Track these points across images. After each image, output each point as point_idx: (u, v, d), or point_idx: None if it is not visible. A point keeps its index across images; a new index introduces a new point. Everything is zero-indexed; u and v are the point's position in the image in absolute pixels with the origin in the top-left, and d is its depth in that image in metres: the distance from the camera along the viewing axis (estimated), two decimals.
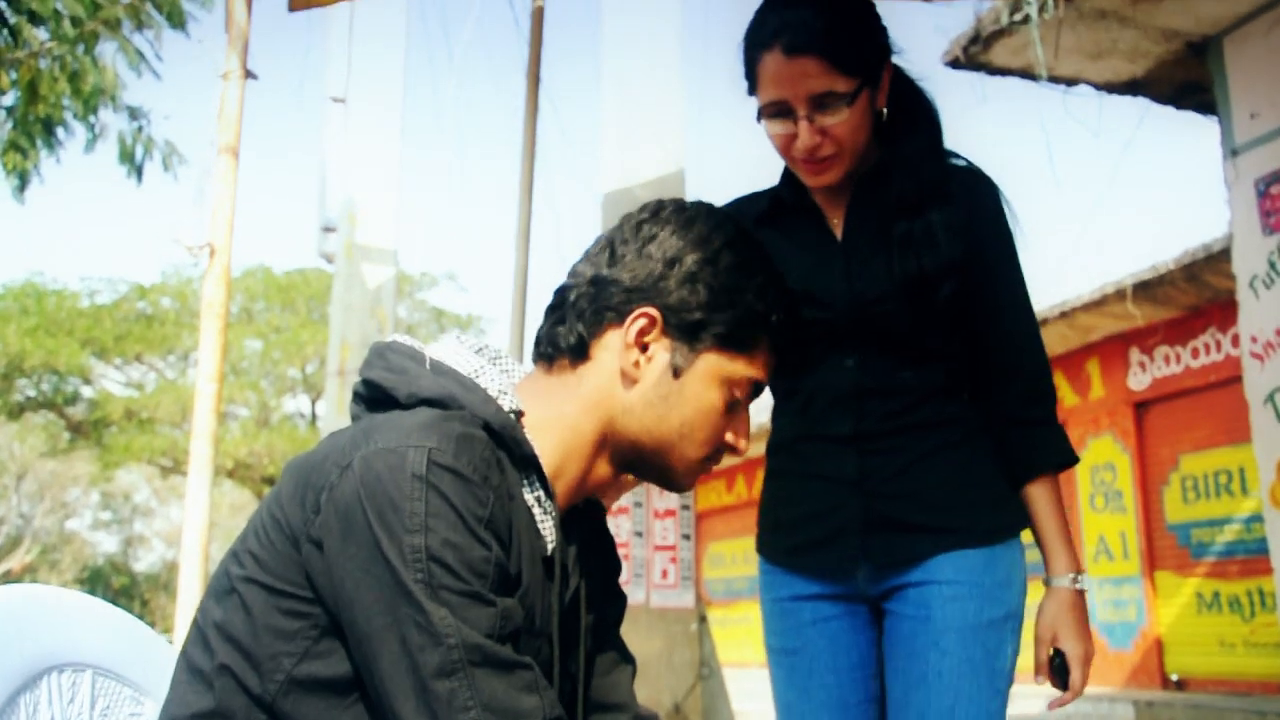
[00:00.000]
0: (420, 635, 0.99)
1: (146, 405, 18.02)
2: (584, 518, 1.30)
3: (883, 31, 1.70)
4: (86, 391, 18.95)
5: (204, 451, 2.98)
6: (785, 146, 1.67)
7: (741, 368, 1.22)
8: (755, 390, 1.25)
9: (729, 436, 1.25)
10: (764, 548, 1.82)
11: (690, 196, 1.39)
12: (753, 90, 1.67)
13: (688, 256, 1.19)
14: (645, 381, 1.19)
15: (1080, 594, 1.68)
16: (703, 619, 6.37)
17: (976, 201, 1.70)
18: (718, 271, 1.19)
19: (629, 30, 6.56)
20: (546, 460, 1.18)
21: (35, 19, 4.26)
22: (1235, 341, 6.29)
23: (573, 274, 1.24)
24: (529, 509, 1.15)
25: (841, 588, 1.73)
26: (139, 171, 5.53)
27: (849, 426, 1.70)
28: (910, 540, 1.67)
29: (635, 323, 1.18)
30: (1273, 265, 4.21)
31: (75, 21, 4.41)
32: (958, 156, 1.76)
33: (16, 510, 23.91)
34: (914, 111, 1.73)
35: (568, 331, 1.21)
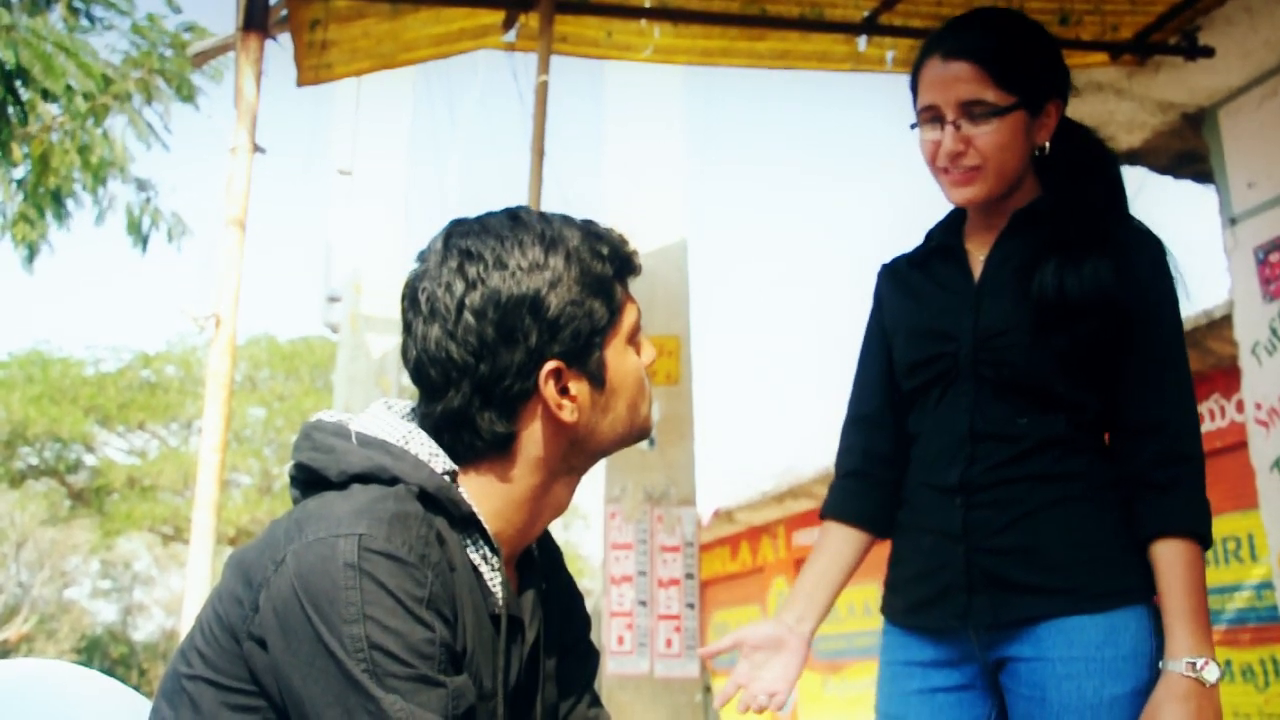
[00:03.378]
0: None
1: (149, 473, 17.96)
2: (539, 561, 1.29)
3: (1054, 65, 1.68)
4: (89, 459, 18.91)
5: (206, 520, 2.96)
6: (932, 155, 1.66)
7: (628, 319, 1.22)
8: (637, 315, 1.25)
9: (644, 360, 1.25)
10: (884, 607, 1.75)
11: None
12: (915, 102, 1.69)
13: (539, 294, 1.14)
14: (583, 411, 1.19)
15: (1198, 684, 1.46)
16: (707, 689, 6.28)
17: (1135, 253, 1.62)
18: (566, 282, 1.15)
19: (631, 103, 6.66)
20: (489, 514, 1.17)
21: (48, 95, 4.33)
22: (1240, 407, 6.27)
23: (442, 387, 1.15)
24: (474, 570, 1.14)
25: (956, 652, 1.64)
26: (145, 242, 5.59)
27: (956, 475, 1.63)
28: (1016, 600, 1.56)
29: (548, 385, 1.15)
30: (1274, 332, 4.21)
31: (87, 96, 4.49)
32: (1135, 220, 1.70)
33: (15, 579, 23.72)
34: (1089, 165, 1.70)
35: (482, 435, 1.16)
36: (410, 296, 1.18)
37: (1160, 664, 1.51)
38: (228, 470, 17.49)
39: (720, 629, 14.06)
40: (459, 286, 1.14)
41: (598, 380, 1.19)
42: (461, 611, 1.09)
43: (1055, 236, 1.61)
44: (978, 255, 1.71)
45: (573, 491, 1.24)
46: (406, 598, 1.01)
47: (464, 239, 1.16)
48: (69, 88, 4.15)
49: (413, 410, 1.22)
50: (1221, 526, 7.47)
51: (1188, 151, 4.84)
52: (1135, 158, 4.97)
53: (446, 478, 1.14)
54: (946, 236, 1.76)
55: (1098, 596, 1.54)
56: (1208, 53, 3.91)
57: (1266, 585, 6.79)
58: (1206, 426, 7.48)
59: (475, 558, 1.15)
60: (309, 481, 1.16)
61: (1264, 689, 7.06)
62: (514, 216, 1.18)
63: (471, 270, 1.14)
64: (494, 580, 1.16)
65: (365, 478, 1.11)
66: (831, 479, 1.86)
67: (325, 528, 1.04)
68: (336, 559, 1.01)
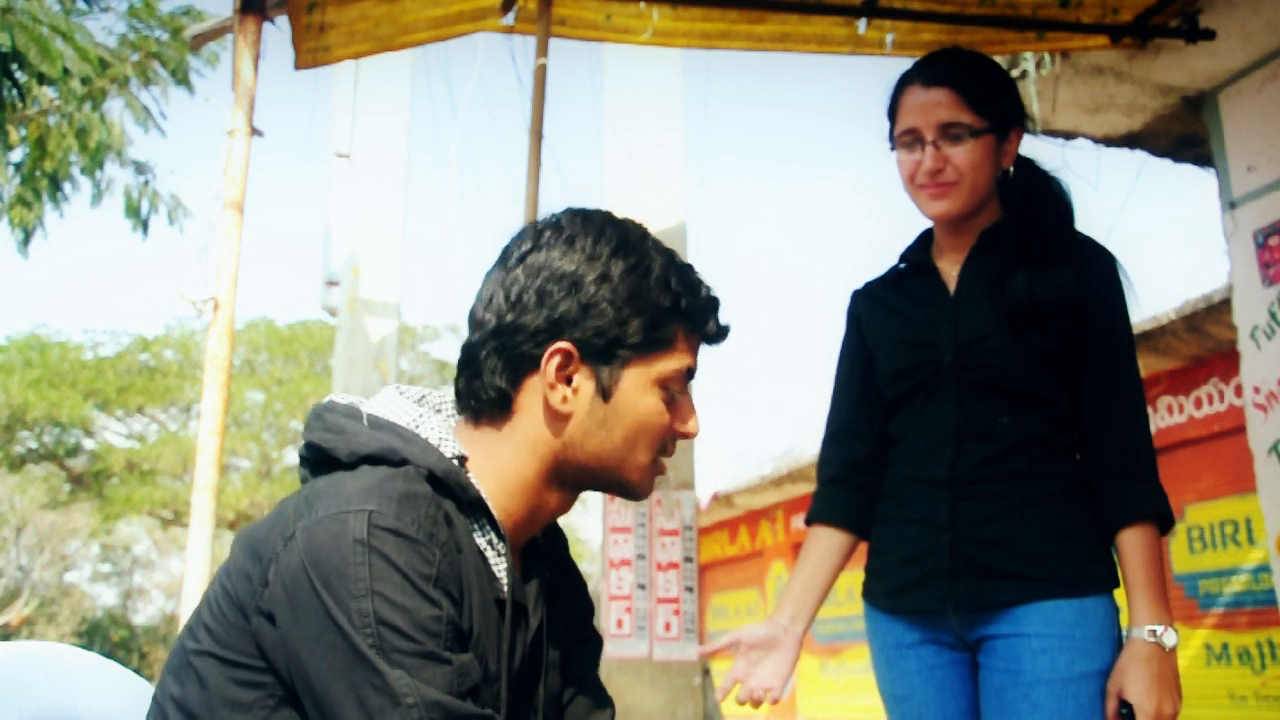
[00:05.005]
0: (378, 697, 0.98)
1: (148, 457, 17.98)
2: (545, 550, 1.29)
3: (1016, 98, 1.88)
4: (88, 443, 18.92)
5: (205, 504, 2.97)
6: (911, 173, 1.83)
7: (668, 364, 1.21)
8: (688, 375, 1.24)
9: (677, 425, 1.24)
10: (866, 592, 1.90)
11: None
12: (892, 127, 1.87)
13: (583, 279, 1.17)
14: (578, 414, 1.19)
15: (1158, 648, 1.66)
16: (706, 672, 6.30)
17: (1091, 263, 1.80)
18: (615, 284, 1.17)
19: (630, 86, 6.64)
20: (493, 502, 1.17)
21: (43, 79, 4.31)
22: (1238, 391, 6.28)
23: (476, 324, 1.22)
24: (480, 554, 1.15)
25: (939, 632, 1.79)
26: (144, 225, 5.57)
27: (943, 470, 1.78)
28: (996, 586, 1.71)
29: (551, 361, 1.17)
30: (1273, 316, 4.21)
31: (84, 79, 4.47)
32: (1085, 235, 1.87)
33: (15, 563, 23.77)
34: (1043, 190, 1.88)
35: (485, 387, 1.19)
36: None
37: (1125, 633, 1.69)
38: (227, 454, 17.51)
39: (719, 612, 14.11)
40: (528, 245, 1.20)
41: (604, 390, 1.19)
42: (468, 593, 1.10)
43: (1020, 251, 1.78)
44: (949, 271, 1.87)
45: (566, 504, 1.24)
46: (414, 575, 1.02)
47: (568, 217, 1.22)
48: (65, 71, 4.13)
49: (424, 396, 1.24)
50: (1219, 510, 7.48)
51: (1188, 135, 4.82)
52: (1135, 141, 4.96)
53: (455, 462, 1.15)
54: (918, 256, 1.93)
55: (1071, 584, 1.70)
56: (1208, 35, 3.89)
57: (1264, 569, 6.81)
58: (1203, 411, 7.50)
59: (481, 542, 1.15)
60: (318, 461, 1.17)
61: (1260, 671, 7.09)
62: (619, 221, 1.23)
63: (546, 236, 1.19)
64: (499, 566, 1.16)
65: (375, 459, 1.12)
66: None
67: (336, 504, 1.04)
68: (346, 535, 1.02)
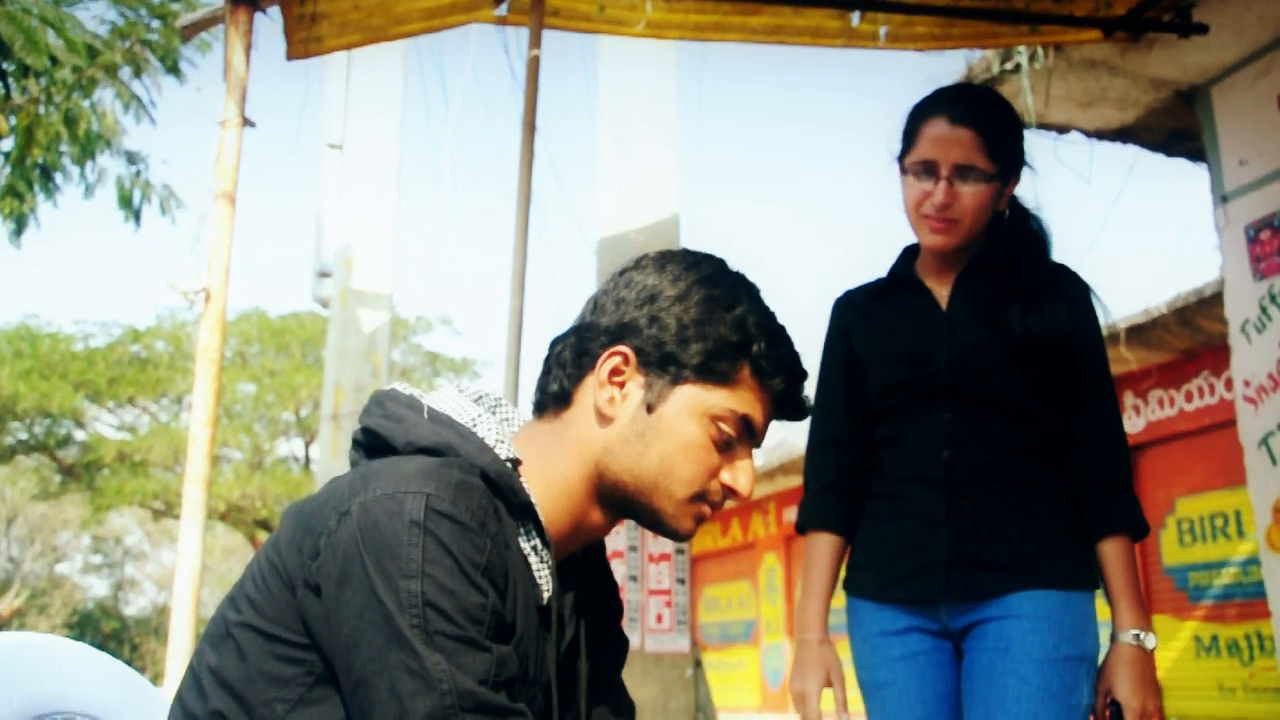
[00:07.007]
0: (412, 681, 0.99)
1: (139, 448, 17.93)
2: (584, 564, 1.29)
3: (1022, 148, 1.95)
4: (79, 435, 18.86)
5: (197, 496, 2.97)
6: (918, 202, 1.89)
7: (721, 400, 1.19)
8: (747, 428, 1.22)
9: (726, 478, 1.22)
10: (851, 585, 1.98)
11: (684, 242, 1.43)
12: (905, 150, 1.93)
13: (660, 294, 1.20)
14: (621, 419, 1.19)
15: (1141, 650, 1.79)
16: (698, 664, 6.32)
17: (1073, 294, 1.92)
18: (688, 305, 1.19)
19: (624, 78, 6.63)
20: (541, 509, 1.18)
21: (28, 71, 4.29)
22: (1229, 385, 6.30)
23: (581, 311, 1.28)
24: (525, 557, 1.15)
25: (926, 620, 1.87)
26: (137, 215, 5.56)
27: (940, 470, 1.87)
28: (990, 577, 1.82)
29: (608, 361, 1.19)
30: (1264, 310, 4.23)
31: (75, 69, 4.45)
32: (1060, 264, 1.99)
33: (6, 554, 23.72)
34: (1027, 228, 1.97)
35: (553, 380, 1.23)
36: None
37: (1112, 636, 1.80)
38: (218, 445, 17.47)
39: (711, 604, 14.13)
40: (633, 264, 1.25)
41: (650, 401, 1.19)
42: (513, 589, 1.10)
43: (1011, 282, 1.89)
44: (939, 290, 1.96)
45: (607, 525, 1.24)
46: (465, 561, 1.02)
47: (680, 252, 1.27)
48: (53, 61, 4.11)
49: (481, 396, 1.25)
50: (1209, 503, 7.52)
51: (1180, 129, 4.84)
52: (1128, 135, 4.97)
53: (509, 465, 1.16)
54: (905, 271, 2.02)
55: (1059, 578, 1.81)
56: (1201, 30, 3.90)
57: (1253, 561, 6.84)
58: (1194, 404, 7.53)
59: (526, 547, 1.16)
60: (373, 447, 1.17)
61: (1249, 663, 7.13)
62: (722, 264, 1.26)
63: (651, 259, 1.25)
64: (541, 572, 1.16)
65: (431, 452, 1.13)
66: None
67: (393, 484, 1.05)
68: (403, 515, 1.02)
